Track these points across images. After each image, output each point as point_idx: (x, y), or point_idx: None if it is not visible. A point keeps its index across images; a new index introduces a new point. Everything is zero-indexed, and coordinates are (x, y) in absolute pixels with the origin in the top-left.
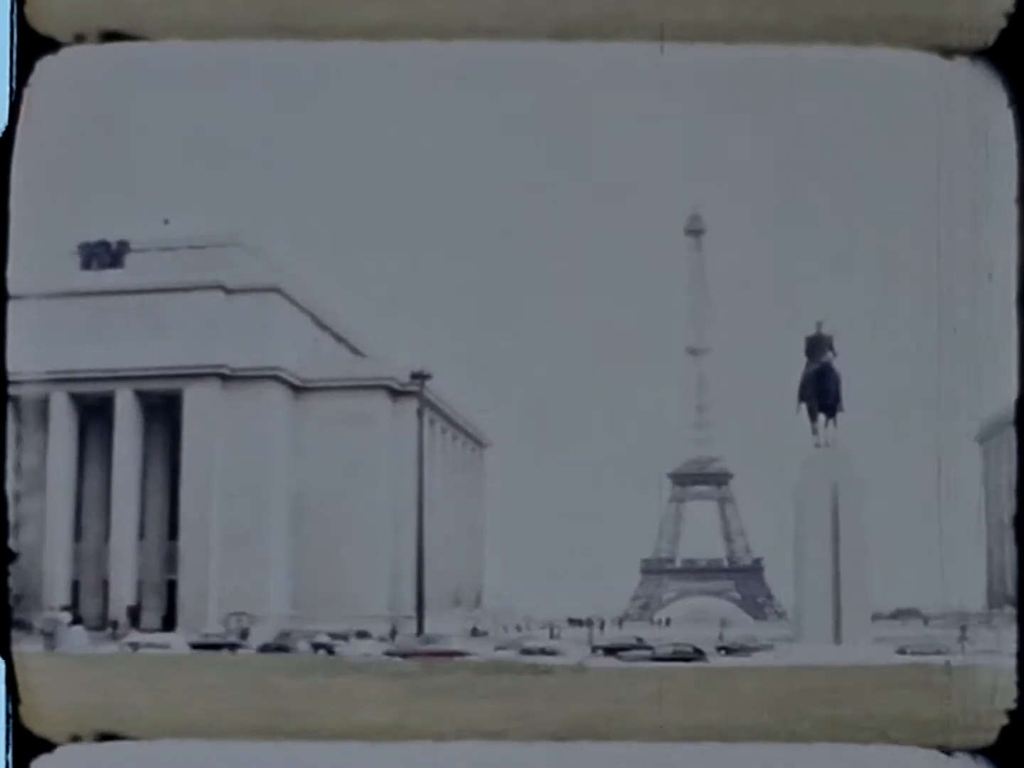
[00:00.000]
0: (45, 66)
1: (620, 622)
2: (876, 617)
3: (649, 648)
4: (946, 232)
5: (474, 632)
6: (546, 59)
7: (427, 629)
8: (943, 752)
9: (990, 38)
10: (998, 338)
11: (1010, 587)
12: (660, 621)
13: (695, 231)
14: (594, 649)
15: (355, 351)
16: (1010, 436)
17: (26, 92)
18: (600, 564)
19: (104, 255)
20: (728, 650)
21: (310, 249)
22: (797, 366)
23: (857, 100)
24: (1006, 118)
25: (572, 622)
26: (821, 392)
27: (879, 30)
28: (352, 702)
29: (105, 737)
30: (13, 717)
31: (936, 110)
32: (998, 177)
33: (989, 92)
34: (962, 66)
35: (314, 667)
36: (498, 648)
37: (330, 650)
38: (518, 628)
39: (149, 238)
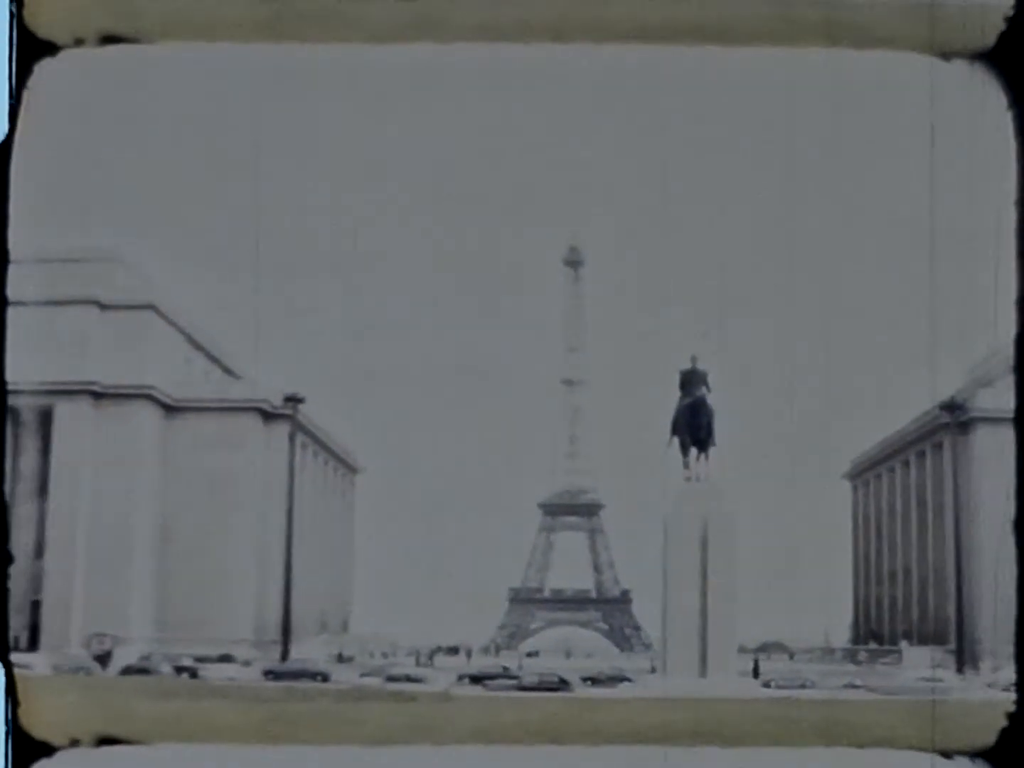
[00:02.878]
0: (44, 69)
1: (487, 651)
2: (742, 650)
3: (515, 677)
4: (946, 234)
5: (340, 658)
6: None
7: (293, 654)
8: (942, 755)
9: (989, 40)
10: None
11: (874, 622)
12: (529, 651)
13: (573, 262)
14: (460, 677)
15: (229, 372)
16: (878, 475)
17: (25, 94)
18: (469, 592)
19: None
20: (594, 681)
21: (189, 264)
22: (671, 399)
23: (856, 102)
24: (1005, 120)
25: (439, 650)
26: (694, 426)
27: (878, 32)
28: (210, 727)
29: (104, 741)
30: (12, 721)
31: (935, 112)
32: (997, 179)
33: (988, 94)
34: (961, 68)
35: (176, 690)
36: (363, 674)
37: (193, 673)
38: (384, 655)
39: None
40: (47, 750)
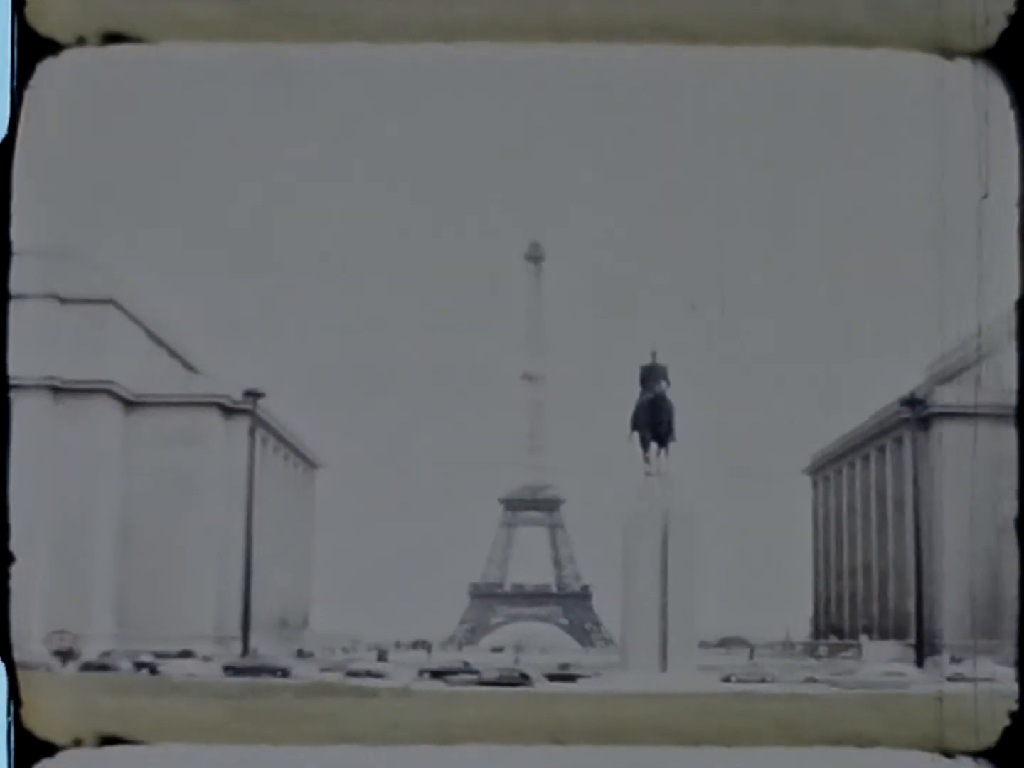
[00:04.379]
0: (46, 68)
1: (448, 646)
2: (703, 645)
3: (475, 672)
4: (946, 235)
5: (300, 653)
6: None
7: (252, 649)
8: (944, 755)
9: (991, 39)
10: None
11: (834, 617)
12: (494, 646)
13: (534, 257)
14: (421, 672)
15: (189, 367)
16: (838, 470)
17: (27, 94)
18: (430, 587)
19: None
20: (555, 676)
21: (150, 260)
22: (632, 394)
23: (857, 101)
24: (1007, 119)
25: (400, 645)
26: (654, 421)
27: (880, 31)
28: (172, 723)
29: (107, 741)
30: (15, 721)
31: (937, 112)
32: (999, 179)
33: (990, 93)
34: (963, 67)
35: (136, 687)
36: (324, 670)
37: (153, 669)
38: (345, 650)
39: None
40: (49, 749)
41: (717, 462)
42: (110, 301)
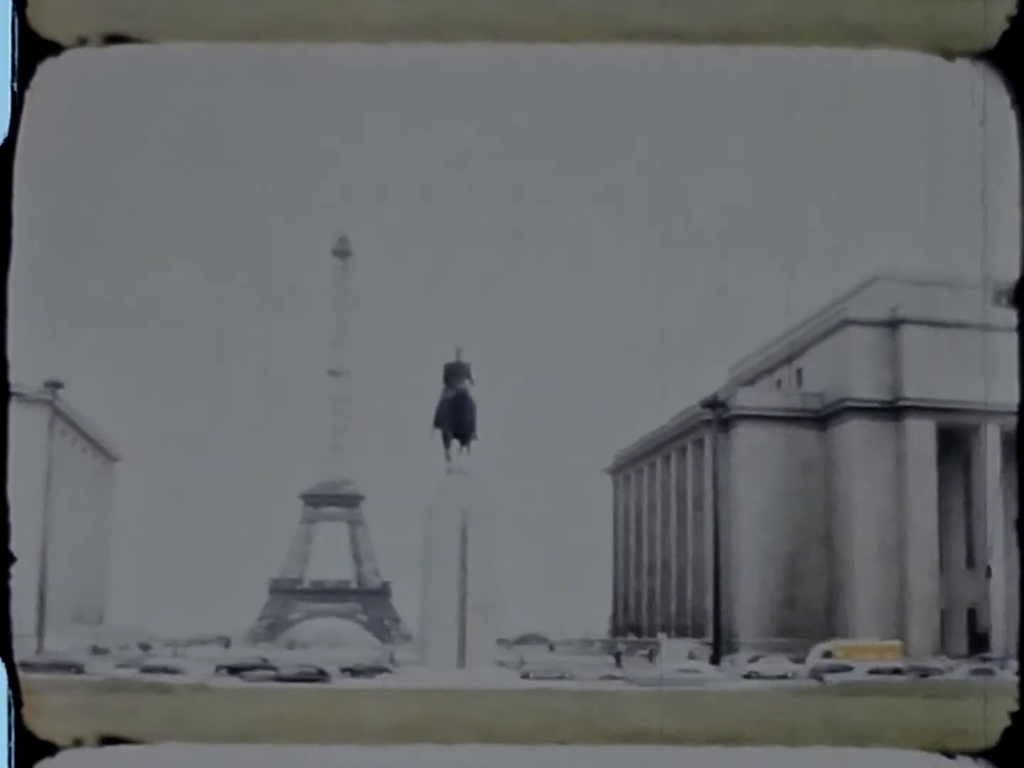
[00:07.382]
0: (47, 69)
1: (246, 642)
2: (502, 642)
3: (273, 668)
4: (946, 233)
5: (95, 650)
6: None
7: (46, 646)
8: (944, 755)
9: (992, 40)
10: None
11: (633, 615)
12: (293, 641)
13: (342, 252)
14: (218, 668)
15: None
16: (639, 470)
17: (28, 94)
18: (229, 583)
19: None
20: (353, 672)
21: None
22: (435, 392)
23: (858, 101)
24: (1008, 120)
25: (197, 641)
26: (456, 419)
27: (880, 32)
28: None
29: (107, 741)
30: (16, 721)
31: (938, 112)
32: (1000, 179)
33: (991, 94)
34: (964, 68)
35: None
36: (119, 666)
37: None
38: (141, 646)
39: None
40: (50, 749)
41: (519, 460)
42: None
